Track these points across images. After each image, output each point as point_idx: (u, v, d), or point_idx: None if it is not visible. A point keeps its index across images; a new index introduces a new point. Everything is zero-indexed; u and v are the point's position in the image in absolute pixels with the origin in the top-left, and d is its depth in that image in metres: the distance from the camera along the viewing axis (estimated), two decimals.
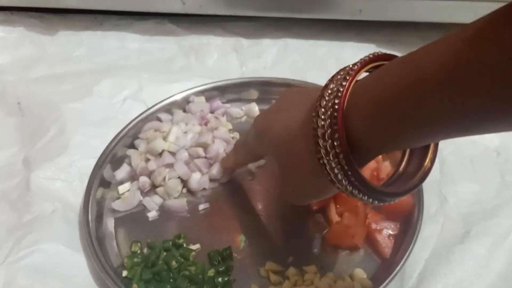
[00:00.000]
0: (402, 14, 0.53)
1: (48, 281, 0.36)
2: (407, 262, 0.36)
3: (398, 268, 0.35)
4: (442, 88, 0.20)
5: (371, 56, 0.25)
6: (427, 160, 0.27)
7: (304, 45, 0.57)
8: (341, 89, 0.24)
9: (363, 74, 0.26)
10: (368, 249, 0.38)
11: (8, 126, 0.49)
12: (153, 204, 0.42)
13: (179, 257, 0.38)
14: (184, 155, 0.44)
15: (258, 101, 0.50)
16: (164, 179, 0.43)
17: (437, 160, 0.44)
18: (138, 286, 0.36)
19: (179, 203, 0.42)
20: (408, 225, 0.38)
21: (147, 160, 0.44)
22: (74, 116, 0.49)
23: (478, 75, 0.18)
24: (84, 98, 0.51)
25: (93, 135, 0.47)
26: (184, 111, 0.49)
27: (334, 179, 0.25)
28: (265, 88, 0.51)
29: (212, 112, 0.49)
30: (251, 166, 0.45)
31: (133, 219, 0.42)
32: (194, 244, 0.39)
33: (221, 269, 0.37)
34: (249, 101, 0.50)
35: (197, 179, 0.43)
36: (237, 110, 0.50)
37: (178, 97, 0.49)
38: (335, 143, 0.24)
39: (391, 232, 0.38)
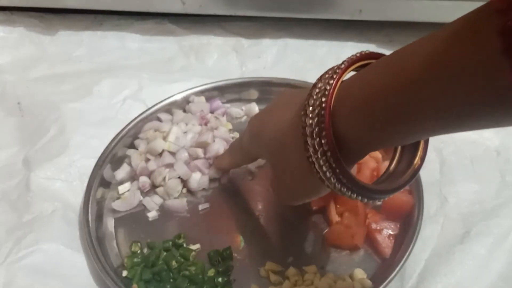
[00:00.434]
0: (402, 14, 0.53)
1: (48, 281, 0.36)
2: (407, 262, 0.36)
3: (398, 268, 0.35)
4: (425, 86, 0.20)
5: (358, 55, 0.26)
6: (417, 158, 0.27)
7: (304, 45, 0.57)
8: (328, 88, 0.25)
9: (351, 73, 0.26)
10: (368, 249, 0.38)
11: (8, 126, 0.49)
12: (153, 204, 0.42)
13: (179, 257, 0.38)
14: (184, 155, 0.44)
15: (258, 101, 0.50)
16: (164, 179, 0.43)
17: (437, 160, 0.44)
18: (138, 286, 0.36)
19: (179, 203, 0.42)
20: (408, 225, 0.38)
21: (147, 160, 0.44)
22: (74, 116, 0.49)
23: (459, 73, 0.19)
24: (84, 98, 0.51)
25: (93, 135, 0.47)
26: (184, 111, 0.49)
27: (323, 177, 0.25)
28: (265, 88, 0.51)
29: (212, 112, 0.49)
30: (251, 166, 0.45)
31: (133, 219, 0.42)
32: (194, 244, 0.39)
33: (221, 269, 0.37)
34: (249, 101, 0.50)
35: (197, 179, 0.43)
36: (237, 110, 0.50)
37: (178, 97, 0.49)
38: (323, 141, 0.24)
39: (391, 232, 0.38)
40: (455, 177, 0.43)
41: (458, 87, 0.19)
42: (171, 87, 0.51)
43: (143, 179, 0.43)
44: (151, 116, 0.47)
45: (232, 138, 0.47)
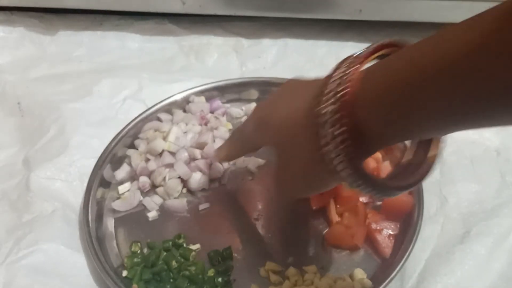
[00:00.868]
0: (402, 14, 0.53)
1: (48, 281, 0.36)
2: (407, 262, 0.36)
3: (398, 268, 0.35)
4: (463, 73, 0.18)
5: (379, 44, 0.25)
6: (431, 153, 0.26)
7: (304, 45, 0.57)
8: (348, 76, 0.23)
9: (367, 65, 0.25)
10: (368, 249, 0.38)
11: (8, 126, 0.49)
12: (153, 204, 0.42)
13: (179, 257, 0.38)
14: (184, 155, 0.44)
15: (258, 101, 0.50)
16: (164, 179, 0.43)
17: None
18: (138, 286, 0.36)
19: (179, 203, 0.42)
20: (408, 225, 0.38)
21: (147, 160, 0.44)
22: (74, 116, 0.49)
23: (507, 58, 0.17)
24: (84, 98, 0.51)
25: (93, 135, 0.47)
26: (184, 111, 0.49)
27: (335, 169, 0.24)
28: (265, 88, 0.51)
29: (212, 112, 0.49)
30: (251, 166, 0.45)
31: (133, 219, 0.42)
32: (194, 244, 0.39)
33: (221, 269, 0.37)
34: (249, 101, 0.50)
35: (197, 179, 0.43)
36: (237, 110, 0.50)
37: (178, 97, 0.49)
38: (338, 132, 0.23)
39: (391, 232, 0.38)
40: (455, 177, 0.42)
41: (504, 73, 0.17)
42: (171, 87, 0.51)
43: (143, 179, 0.43)
44: (151, 116, 0.47)
45: None
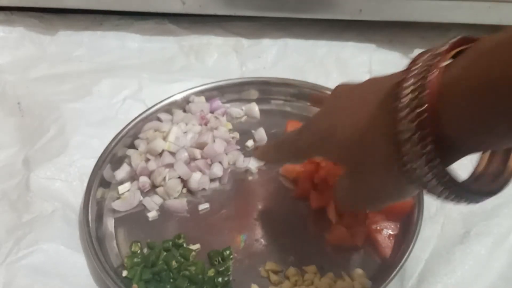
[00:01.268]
0: (402, 14, 0.53)
1: (48, 281, 0.36)
2: (407, 262, 0.36)
3: (398, 268, 0.35)
4: None
5: (458, 38, 0.22)
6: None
7: (304, 45, 0.57)
8: (425, 83, 0.21)
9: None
10: (368, 249, 0.38)
11: (8, 126, 0.49)
12: (153, 204, 0.42)
13: (179, 257, 0.38)
14: (184, 155, 0.44)
15: (258, 101, 0.50)
16: (164, 179, 0.43)
17: None
18: (138, 286, 0.36)
19: (179, 203, 0.42)
20: (408, 225, 0.38)
21: (147, 160, 0.44)
22: (74, 116, 0.49)
23: None
24: (84, 98, 0.51)
25: (93, 135, 0.47)
26: (184, 111, 0.49)
27: (421, 180, 0.22)
28: (265, 88, 0.51)
29: (212, 112, 0.49)
30: (251, 166, 0.45)
31: (133, 219, 0.42)
32: (194, 244, 0.39)
33: (221, 269, 0.37)
34: (249, 101, 0.50)
35: (197, 179, 0.43)
36: (237, 110, 0.50)
37: (178, 97, 0.49)
38: (425, 150, 0.21)
39: (391, 232, 0.38)
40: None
41: None
42: (171, 87, 0.51)
43: (143, 179, 0.43)
44: (151, 116, 0.47)
45: (232, 138, 0.47)
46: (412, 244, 0.36)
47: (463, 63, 0.21)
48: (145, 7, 0.57)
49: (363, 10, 0.53)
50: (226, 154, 0.45)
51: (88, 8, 0.59)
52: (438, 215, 0.40)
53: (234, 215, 0.42)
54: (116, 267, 0.38)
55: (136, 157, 0.44)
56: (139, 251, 0.39)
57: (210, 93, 0.50)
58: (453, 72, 0.21)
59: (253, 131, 0.48)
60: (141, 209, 0.42)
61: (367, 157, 0.26)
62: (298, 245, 0.39)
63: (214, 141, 0.45)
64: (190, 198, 0.43)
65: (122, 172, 0.44)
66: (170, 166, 0.43)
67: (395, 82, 0.23)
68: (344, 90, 0.30)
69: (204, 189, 0.43)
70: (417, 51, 0.56)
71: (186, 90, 0.49)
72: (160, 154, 0.44)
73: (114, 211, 0.42)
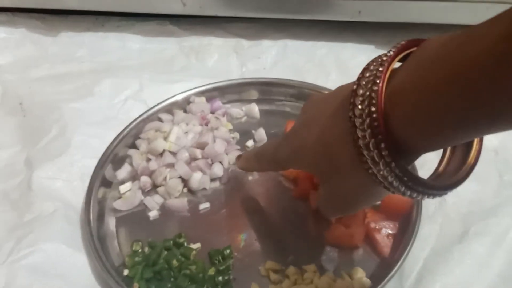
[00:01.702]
0: (401, 15, 0.53)
1: (49, 281, 0.36)
2: (406, 261, 0.36)
3: (397, 267, 0.35)
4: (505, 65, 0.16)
5: (403, 43, 0.23)
6: (472, 154, 0.25)
7: (304, 46, 0.58)
8: (376, 85, 0.22)
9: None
10: (367, 248, 0.38)
11: (9, 126, 0.49)
12: (154, 204, 0.42)
13: (179, 256, 0.38)
14: (185, 155, 0.44)
15: (258, 101, 0.51)
16: (165, 178, 0.43)
17: (435, 160, 0.44)
18: (139, 285, 0.36)
19: (179, 202, 0.42)
20: (407, 225, 0.38)
21: (148, 160, 0.44)
22: (75, 116, 0.49)
23: None
24: (85, 98, 0.51)
25: (94, 135, 0.47)
26: (185, 111, 0.49)
27: (386, 181, 0.23)
28: (265, 88, 0.51)
29: (212, 112, 0.49)
30: None
31: (134, 219, 0.42)
32: (194, 243, 0.39)
33: (221, 268, 0.37)
34: (249, 101, 0.51)
35: (197, 179, 0.43)
36: (237, 110, 0.50)
37: (179, 97, 0.49)
38: (378, 145, 0.22)
39: (390, 232, 0.39)
40: None
41: None
42: (172, 88, 0.51)
43: (144, 179, 0.43)
44: (152, 116, 0.48)
45: (233, 138, 0.47)
46: (411, 243, 0.36)
47: (407, 69, 0.22)
48: (146, 8, 0.57)
49: (362, 11, 0.54)
50: (227, 154, 0.45)
51: (89, 9, 0.59)
52: (436, 214, 0.40)
53: (235, 214, 0.42)
54: (117, 266, 0.38)
55: (137, 157, 0.45)
56: (140, 250, 0.39)
57: (211, 94, 0.50)
58: (398, 79, 0.22)
59: (253, 131, 0.48)
60: (142, 209, 0.42)
61: (334, 166, 0.27)
62: (298, 244, 0.39)
63: (214, 141, 0.45)
64: (190, 198, 0.43)
65: (123, 172, 0.44)
66: (171, 166, 0.43)
67: (350, 91, 0.23)
68: (315, 101, 0.30)
69: (204, 188, 0.44)
70: None
71: (187, 91, 0.49)
72: (161, 154, 0.44)
73: (115, 210, 0.42)
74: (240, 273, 0.37)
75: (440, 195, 0.25)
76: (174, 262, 0.38)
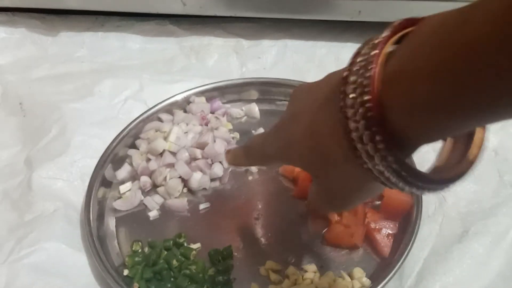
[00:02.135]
0: (401, 15, 0.53)
1: (50, 280, 0.36)
2: (406, 261, 0.36)
3: (397, 267, 0.35)
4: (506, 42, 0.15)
5: (398, 22, 0.21)
6: (473, 148, 0.23)
7: (304, 46, 0.58)
8: (368, 70, 0.20)
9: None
10: (367, 248, 0.38)
11: (10, 126, 0.49)
12: (154, 204, 0.43)
13: (179, 256, 0.38)
14: (185, 155, 0.44)
15: (258, 101, 0.51)
16: (165, 178, 0.43)
17: (435, 159, 0.45)
18: (139, 285, 0.36)
19: (179, 202, 0.42)
20: (407, 224, 0.38)
21: (148, 160, 0.44)
22: (75, 116, 0.49)
23: None
24: (85, 98, 0.51)
25: (94, 135, 0.47)
26: (185, 111, 0.49)
27: (383, 176, 0.21)
28: (265, 88, 0.51)
29: (212, 112, 0.49)
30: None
31: (134, 219, 0.42)
32: (194, 243, 0.40)
33: (221, 268, 0.38)
34: (249, 101, 0.51)
35: (197, 179, 0.43)
36: (237, 110, 0.50)
37: (179, 97, 0.49)
38: (372, 138, 0.20)
39: (390, 232, 0.39)
40: None
41: None
42: (172, 88, 0.51)
43: (144, 179, 0.44)
44: (152, 116, 0.48)
45: (233, 138, 0.47)
46: (410, 243, 0.36)
47: (403, 52, 0.20)
48: (146, 8, 0.57)
49: (362, 11, 0.54)
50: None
51: (89, 9, 0.59)
52: (436, 214, 0.40)
53: (234, 214, 0.42)
54: (117, 266, 0.38)
55: (137, 157, 0.45)
56: (140, 250, 0.39)
57: (211, 94, 0.50)
58: (394, 63, 0.20)
59: (253, 131, 0.48)
60: (142, 209, 0.42)
61: (325, 160, 0.25)
62: (298, 244, 0.39)
63: (214, 141, 0.45)
64: (190, 198, 0.43)
65: (123, 171, 0.44)
66: (171, 166, 0.43)
67: (341, 78, 0.21)
68: (301, 91, 0.28)
69: (204, 188, 0.44)
70: None
71: (187, 91, 0.50)
72: (161, 154, 0.44)
73: (115, 210, 0.42)
74: (240, 273, 0.38)
75: (441, 189, 0.23)
76: (174, 262, 0.38)
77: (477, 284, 0.36)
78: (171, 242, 0.39)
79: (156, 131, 0.46)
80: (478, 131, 0.23)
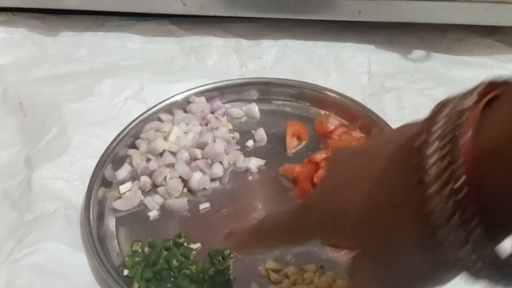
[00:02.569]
0: (401, 15, 0.54)
1: (50, 280, 0.36)
2: None
3: None
4: None
5: (487, 84, 0.17)
6: None
7: (304, 46, 0.58)
8: (461, 137, 0.16)
9: None
10: None
11: (10, 126, 0.49)
12: (154, 204, 0.43)
13: (179, 256, 0.38)
14: (185, 155, 0.44)
15: (258, 101, 0.51)
16: (165, 178, 0.43)
17: None
18: (139, 285, 0.36)
19: (179, 202, 0.42)
20: None
21: (148, 160, 0.44)
22: (75, 116, 0.49)
23: None
24: (85, 98, 0.51)
25: (94, 135, 0.47)
26: (185, 111, 0.49)
27: (464, 266, 0.17)
28: (265, 88, 0.51)
29: (212, 112, 0.49)
30: (252, 166, 0.45)
31: (134, 219, 0.42)
32: (194, 243, 0.39)
33: (221, 268, 0.38)
34: (249, 101, 0.51)
35: (197, 179, 0.43)
36: (237, 110, 0.50)
37: (179, 97, 0.49)
38: (466, 222, 0.16)
39: None
40: None
41: None
42: (172, 88, 0.51)
43: (144, 179, 0.44)
44: (152, 116, 0.48)
45: (233, 138, 0.47)
46: None
47: (502, 118, 0.16)
48: (146, 8, 0.57)
49: (362, 11, 0.54)
50: (227, 154, 0.46)
51: (89, 9, 0.59)
52: None
53: (235, 214, 0.42)
54: (117, 266, 0.38)
55: (137, 157, 0.45)
56: (140, 250, 0.39)
57: (211, 94, 0.50)
58: (490, 131, 0.16)
59: (253, 131, 0.48)
60: (142, 209, 0.42)
61: (390, 238, 0.20)
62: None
63: (214, 141, 0.45)
64: (190, 198, 0.43)
65: (123, 171, 0.44)
66: (171, 166, 0.44)
67: (413, 147, 0.18)
68: (344, 157, 0.24)
69: (204, 188, 0.44)
70: (415, 52, 0.57)
71: (187, 91, 0.50)
72: (161, 154, 0.44)
73: (115, 210, 0.42)
74: (240, 273, 0.38)
75: None
76: (174, 262, 0.38)
77: (477, 284, 0.36)
78: (171, 242, 0.39)
79: (156, 131, 0.46)
80: None
